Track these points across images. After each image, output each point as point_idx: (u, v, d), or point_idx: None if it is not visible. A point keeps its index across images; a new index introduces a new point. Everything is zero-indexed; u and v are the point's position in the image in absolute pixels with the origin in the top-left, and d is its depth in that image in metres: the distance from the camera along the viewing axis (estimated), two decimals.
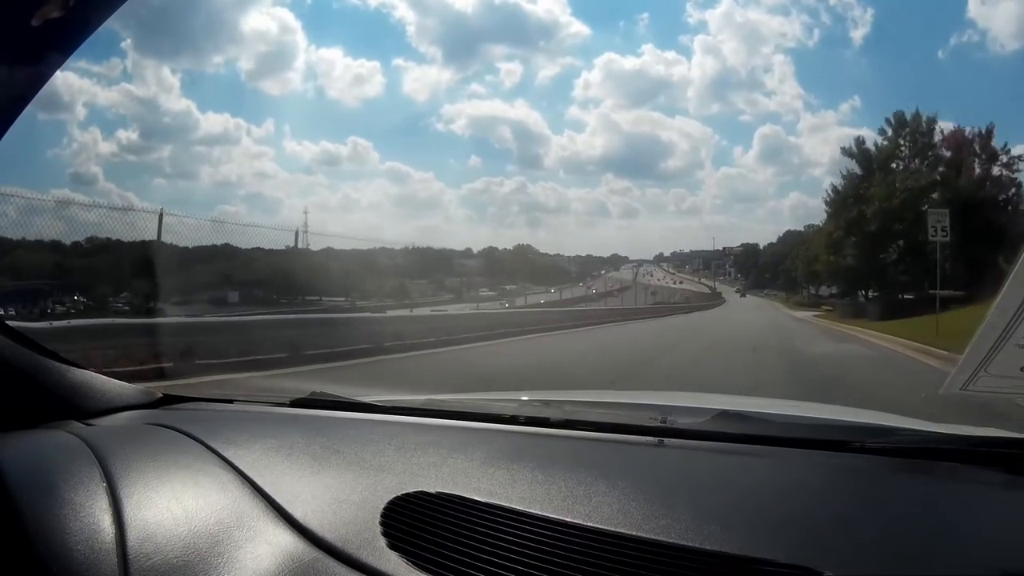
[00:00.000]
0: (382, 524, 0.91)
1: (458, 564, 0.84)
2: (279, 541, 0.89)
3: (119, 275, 15.33)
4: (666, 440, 1.20)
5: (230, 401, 1.74)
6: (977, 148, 26.22)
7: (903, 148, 27.59)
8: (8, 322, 1.39)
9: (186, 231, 12.50)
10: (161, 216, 11.61)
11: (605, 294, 41.02)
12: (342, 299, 19.92)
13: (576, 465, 1.09)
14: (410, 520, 0.92)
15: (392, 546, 0.87)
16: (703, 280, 70.94)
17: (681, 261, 79.89)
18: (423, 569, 0.84)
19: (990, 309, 1.00)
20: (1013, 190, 25.36)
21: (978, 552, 0.81)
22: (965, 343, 1.08)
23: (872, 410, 1.71)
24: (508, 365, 9.50)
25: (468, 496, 0.97)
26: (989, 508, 0.93)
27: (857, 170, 27.87)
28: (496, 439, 1.28)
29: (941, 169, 26.30)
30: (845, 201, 27.57)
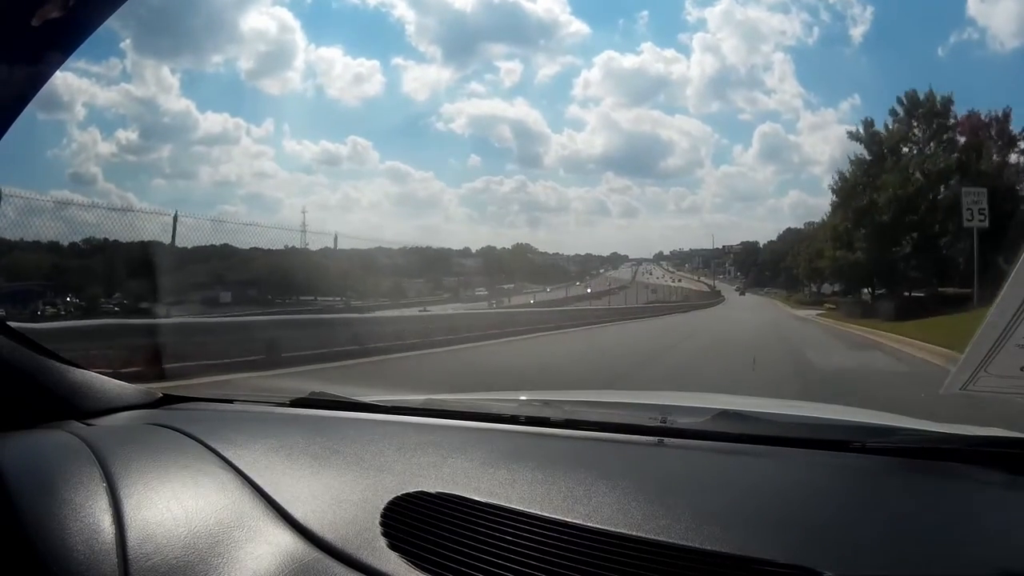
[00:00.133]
0: (382, 524, 0.91)
1: (458, 564, 0.84)
2: (279, 541, 0.89)
3: (113, 276, 15.34)
4: (666, 440, 1.20)
5: (230, 401, 1.74)
6: (994, 133, 23.75)
7: (916, 132, 24.73)
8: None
9: (184, 231, 12.54)
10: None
11: (601, 293, 40.91)
12: (336, 299, 19.83)
13: (576, 465, 1.09)
14: (410, 520, 0.92)
15: (392, 546, 0.87)
16: (702, 278, 70.94)
17: (681, 260, 79.84)
18: (423, 569, 0.84)
19: (990, 309, 1.00)
20: None
21: (978, 552, 0.81)
22: None
23: (872, 410, 1.71)
24: (472, 373, 8.51)
25: (468, 496, 0.97)
26: (989, 508, 0.93)
27: (866, 155, 25.20)
28: (496, 439, 1.28)
29: (955, 155, 23.34)
30: (854, 188, 24.91)
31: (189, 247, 13.34)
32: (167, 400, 1.63)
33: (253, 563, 0.85)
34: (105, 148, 36.14)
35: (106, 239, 13.58)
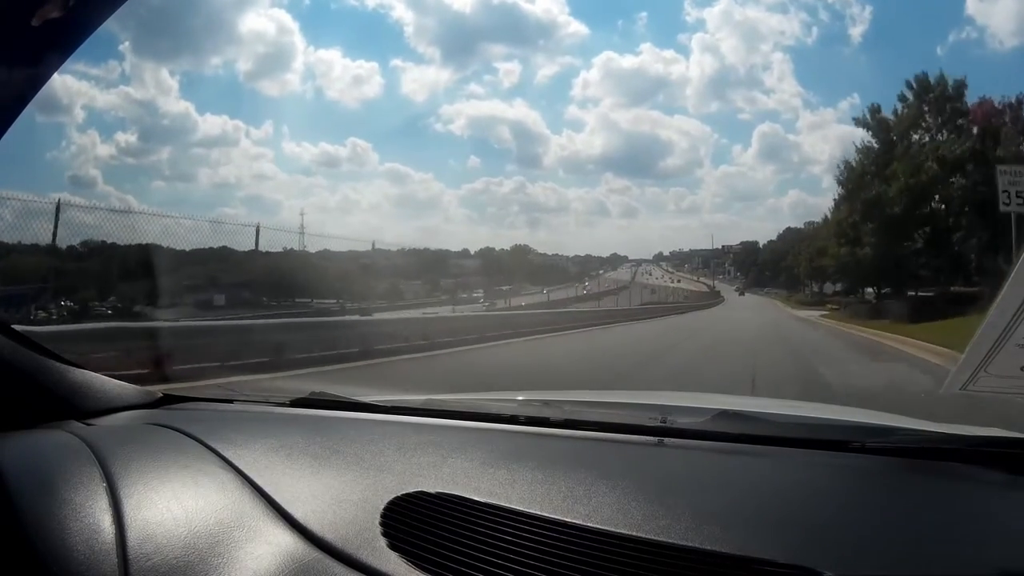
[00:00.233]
0: (382, 524, 0.91)
1: (458, 564, 0.84)
2: (279, 541, 0.89)
3: (108, 279, 15.29)
4: (666, 440, 1.20)
5: (230, 401, 1.74)
6: (1008, 120, 21.81)
7: (927, 118, 23.00)
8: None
9: (183, 232, 12.55)
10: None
11: (600, 294, 40.83)
12: (332, 301, 19.67)
13: (576, 465, 1.09)
14: (410, 520, 0.92)
15: (392, 546, 0.87)
16: (702, 279, 71.03)
17: (680, 260, 79.98)
18: (423, 569, 0.84)
19: (990, 309, 1.01)
20: None
21: (978, 552, 0.81)
22: None
23: (872, 410, 1.71)
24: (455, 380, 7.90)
25: (468, 496, 0.97)
26: (989, 508, 0.93)
27: (874, 143, 23.85)
28: (496, 439, 1.28)
29: (967, 143, 21.60)
30: (862, 179, 23.36)
31: (187, 249, 13.39)
32: (167, 400, 1.63)
33: (253, 563, 0.85)
34: (104, 150, 36.24)
35: (103, 241, 13.58)
